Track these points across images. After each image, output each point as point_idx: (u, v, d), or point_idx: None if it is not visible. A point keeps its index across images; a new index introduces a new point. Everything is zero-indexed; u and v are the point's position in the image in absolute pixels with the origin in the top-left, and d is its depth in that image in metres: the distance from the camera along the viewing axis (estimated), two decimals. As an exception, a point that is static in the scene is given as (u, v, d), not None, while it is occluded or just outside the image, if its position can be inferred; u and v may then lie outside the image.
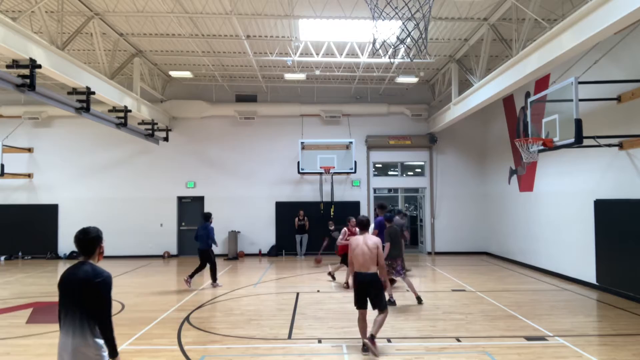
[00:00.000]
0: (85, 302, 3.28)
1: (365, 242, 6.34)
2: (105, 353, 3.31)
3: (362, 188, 18.13)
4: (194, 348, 6.53)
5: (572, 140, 8.78)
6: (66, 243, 17.37)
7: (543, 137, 9.85)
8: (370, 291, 6.25)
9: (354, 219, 10.75)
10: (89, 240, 3.45)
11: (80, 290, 3.30)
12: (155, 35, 12.93)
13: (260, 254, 17.75)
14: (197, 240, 11.40)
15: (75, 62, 10.79)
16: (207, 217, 11.53)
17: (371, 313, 6.30)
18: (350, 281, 6.63)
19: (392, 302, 8.97)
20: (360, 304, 6.32)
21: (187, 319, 8.18)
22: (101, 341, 3.30)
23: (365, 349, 6.23)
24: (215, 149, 18.04)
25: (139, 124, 15.51)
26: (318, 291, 10.38)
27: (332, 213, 16.95)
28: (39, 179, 17.72)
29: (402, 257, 9.33)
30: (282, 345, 6.71)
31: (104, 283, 3.34)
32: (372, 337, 6.17)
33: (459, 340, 6.82)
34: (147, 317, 8.24)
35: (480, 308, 8.87)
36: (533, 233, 13.53)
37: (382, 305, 6.26)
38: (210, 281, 11.63)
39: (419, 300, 9.15)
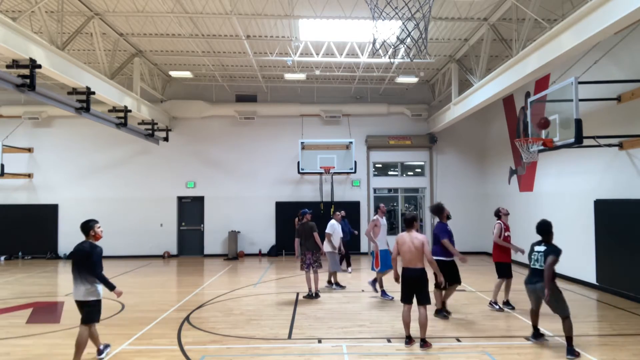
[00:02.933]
0: (86, 263, 5.70)
1: (412, 240, 6.57)
2: (100, 287, 5.85)
3: (362, 188, 18.12)
4: (194, 348, 6.53)
5: (572, 140, 8.77)
6: (66, 243, 17.37)
7: (543, 137, 9.84)
8: (416, 286, 6.54)
9: (382, 205, 10.60)
10: (85, 227, 5.88)
11: (83, 256, 5.72)
12: (155, 35, 12.93)
13: (260, 254, 17.74)
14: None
15: (75, 62, 10.79)
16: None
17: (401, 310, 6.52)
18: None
19: (317, 295, 9.89)
20: (406, 299, 6.63)
21: (187, 319, 8.18)
22: (97, 284, 5.82)
23: (408, 342, 6.55)
24: (215, 149, 18.04)
25: (139, 124, 15.50)
26: (318, 291, 10.38)
27: (332, 213, 16.90)
28: (39, 179, 17.72)
29: (312, 252, 9.85)
30: (282, 345, 6.71)
31: (97, 253, 5.77)
32: (424, 341, 6.45)
33: (459, 340, 6.82)
34: (147, 317, 8.24)
35: (480, 308, 8.88)
36: (533, 233, 13.47)
37: (426, 300, 6.54)
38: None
39: (312, 296, 9.82)
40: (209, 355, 6.28)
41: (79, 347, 5.67)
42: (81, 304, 5.78)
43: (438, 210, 8.50)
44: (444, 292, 8.28)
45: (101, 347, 6.12)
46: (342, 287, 11.03)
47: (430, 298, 6.64)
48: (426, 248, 6.57)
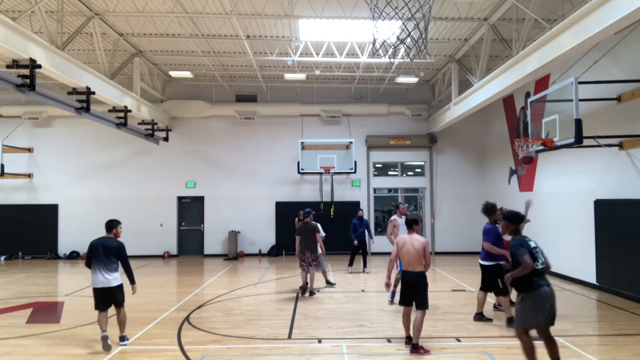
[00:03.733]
0: (115, 255, 6.52)
1: (412, 242, 6.42)
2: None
3: (362, 188, 18.12)
4: (194, 348, 6.54)
5: (572, 140, 8.77)
6: (66, 243, 17.36)
7: (543, 137, 9.84)
8: (415, 289, 6.40)
9: (402, 205, 10.29)
10: (110, 225, 6.71)
11: (112, 249, 6.50)
12: (155, 35, 12.93)
13: (260, 254, 17.75)
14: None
15: (75, 62, 10.78)
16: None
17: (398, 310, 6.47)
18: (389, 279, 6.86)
19: (313, 292, 10.03)
20: (405, 302, 6.51)
21: (187, 319, 8.18)
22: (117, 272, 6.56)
23: (407, 342, 6.48)
24: (215, 149, 18.04)
25: (139, 124, 15.50)
26: (318, 291, 10.39)
27: (332, 213, 16.97)
28: (39, 179, 17.71)
29: (311, 251, 9.95)
30: (282, 345, 6.72)
31: (124, 248, 6.64)
32: (415, 346, 6.25)
33: (459, 340, 6.82)
34: (147, 317, 8.24)
35: (480, 308, 8.86)
36: (533, 233, 13.41)
37: (424, 304, 6.38)
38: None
39: (305, 292, 10.00)
40: (209, 355, 6.28)
41: (123, 323, 6.70)
42: (107, 290, 6.49)
43: (489, 210, 7.84)
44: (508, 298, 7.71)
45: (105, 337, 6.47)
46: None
47: (428, 303, 6.42)
48: (427, 251, 6.37)
